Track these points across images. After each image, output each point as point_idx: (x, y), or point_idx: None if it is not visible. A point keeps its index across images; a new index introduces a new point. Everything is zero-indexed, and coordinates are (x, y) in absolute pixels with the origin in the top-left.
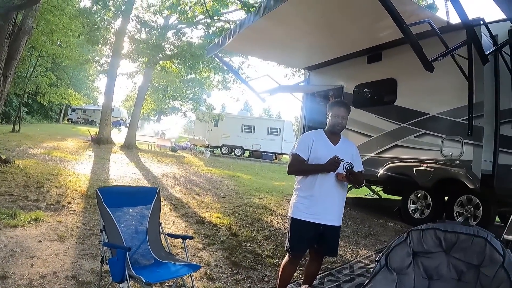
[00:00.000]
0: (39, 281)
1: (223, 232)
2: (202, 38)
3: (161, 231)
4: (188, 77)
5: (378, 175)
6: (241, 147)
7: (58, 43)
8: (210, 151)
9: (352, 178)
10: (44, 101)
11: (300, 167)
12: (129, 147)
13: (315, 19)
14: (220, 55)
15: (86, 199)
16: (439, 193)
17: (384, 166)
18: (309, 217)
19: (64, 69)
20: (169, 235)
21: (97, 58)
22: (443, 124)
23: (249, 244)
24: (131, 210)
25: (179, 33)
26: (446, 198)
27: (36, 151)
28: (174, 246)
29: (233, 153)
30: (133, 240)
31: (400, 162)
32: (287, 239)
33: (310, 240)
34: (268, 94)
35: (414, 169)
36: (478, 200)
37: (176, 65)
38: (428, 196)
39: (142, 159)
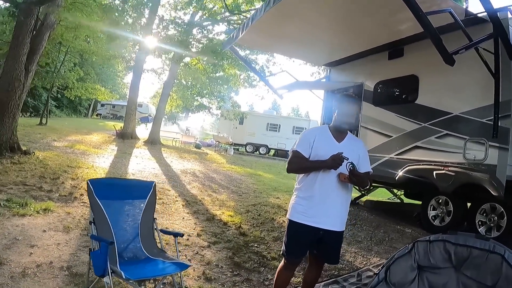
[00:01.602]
0: (33, 270)
1: (232, 231)
2: (222, 34)
3: (154, 227)
4: (217, 74)
5: (396, 178)
6: (266, 146)
7: (88, 39)
8: (234, 149)
9: (355, 179)
10: (71, 95)
11: (299, 164)
12: (153, 142)
13: (330, 12)
14: (243, 52)
15: None
16: (461, 199)
17: (403, 169)
18: (307, 220)
19: (91, 65)
20: (162, 231)
21: (125, 54)
22: (466, 124)
23: (256, 245)
24: (124, 204)
25: (203, 30)
26: (468, 204)
27: (59, 144)
28: (178, 243)
29: (257, 151)
30: (125, 234)
31: (420, 164)
32: (283, 243)
33: (308, 245)
34: (286, 91)
35: (434, 172)
36: (502, 209)
37: (201, 61)
38: (449, 202)
39: (164, 155)
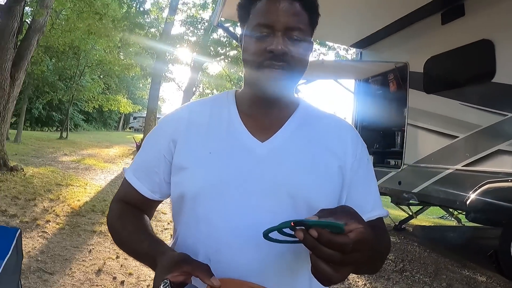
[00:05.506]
0: None
1: None
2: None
3: None
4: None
5: (467, 202)
6: None
7: (106, 50)
8: None
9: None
10: (89, 108)
11: (119, 233)
12: None
13: None
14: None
15: (72, 217)
16: None
17: (479, 188)
18: None
19: (112, 76)
20: None
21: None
22: None
23: None
24: None
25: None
26: None
27: (66, 159)
28: None
29: None
30: None
31: (509, 180)
32: None
33: None
34: (304, 81)
35: None
36: None
37: (224, 67)
38: None
39: None
